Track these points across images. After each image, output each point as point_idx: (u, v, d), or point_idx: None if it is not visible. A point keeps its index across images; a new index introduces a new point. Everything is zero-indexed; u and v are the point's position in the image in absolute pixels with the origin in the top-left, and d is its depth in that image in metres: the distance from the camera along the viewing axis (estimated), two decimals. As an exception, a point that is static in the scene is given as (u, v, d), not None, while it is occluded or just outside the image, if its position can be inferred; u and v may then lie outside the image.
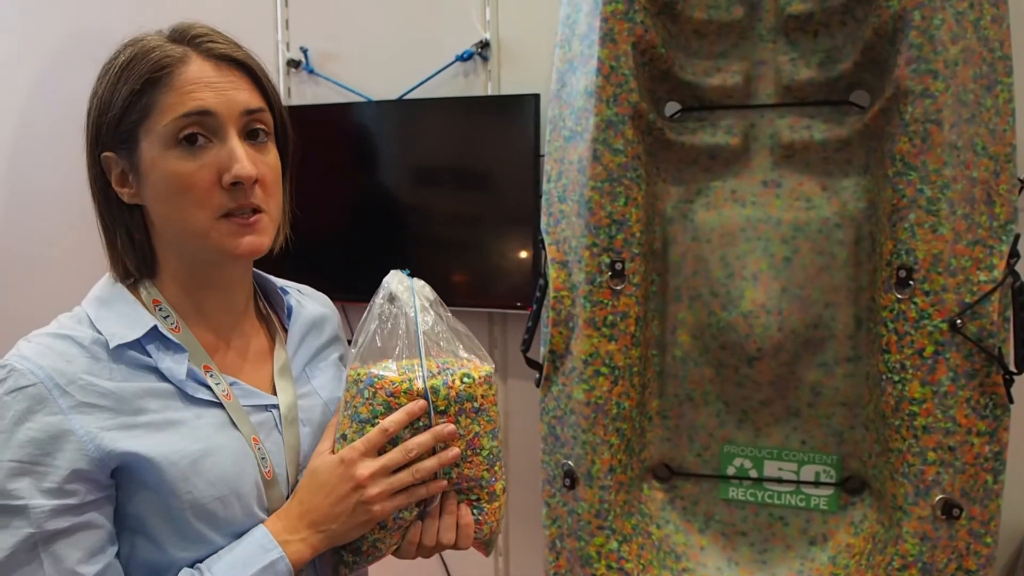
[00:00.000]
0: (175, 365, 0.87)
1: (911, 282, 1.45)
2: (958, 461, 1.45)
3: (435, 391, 0.88)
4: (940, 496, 1.46)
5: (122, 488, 0.83)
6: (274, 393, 0.95)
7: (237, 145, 0.85)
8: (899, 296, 1.47)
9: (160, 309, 0.89)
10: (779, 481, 1.65)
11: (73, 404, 0.81)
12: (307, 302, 1.08)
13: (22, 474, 0.78)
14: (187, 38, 0.87)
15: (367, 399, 0.88)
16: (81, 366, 0.83)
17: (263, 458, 0.89)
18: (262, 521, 0.89)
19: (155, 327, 0.87)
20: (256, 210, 0.86)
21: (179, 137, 0.83)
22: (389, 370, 0.89)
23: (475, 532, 0.95)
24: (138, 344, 0.86)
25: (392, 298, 0.92)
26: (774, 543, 1.66)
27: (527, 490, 2.17)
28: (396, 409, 0.87)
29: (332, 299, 1.15)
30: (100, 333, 0.85)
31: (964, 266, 1.44)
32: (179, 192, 0.84)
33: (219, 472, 0.85)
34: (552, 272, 1.65)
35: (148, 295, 0.90)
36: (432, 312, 0.92)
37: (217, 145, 0.85)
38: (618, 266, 1.59)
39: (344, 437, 0.90)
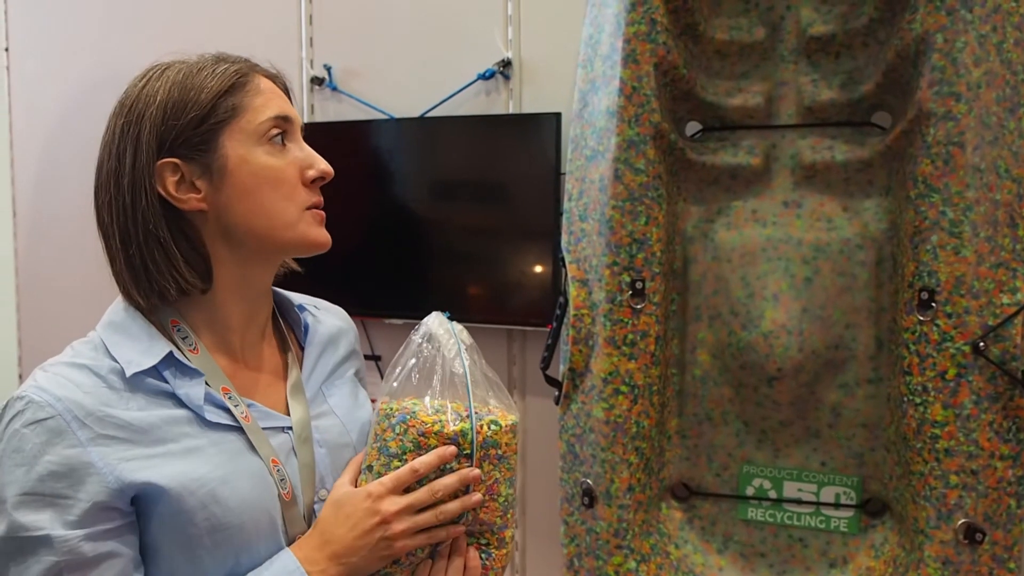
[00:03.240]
0: (192, 391, 0.86)
1: (933, 304, 1.45)
2: (981, 485, 1.44)
3: (464, 435, 0.89)
4: (962, 520, 1.45)
5: (141, 516, 0.83)
6: (288, 413, 0.95)
7: (310, 148, 0.94)
8: (921, 318, 1.46)
9: (179, 330, 0.89)
10: (798, 502, 1.64)
11: (91, 436, 0.80)
12: (324, 317, 1.07)
13: (44, 507, 0.79)
14: (242, 60, 0.93)
15: (397, 435, 0.89)
16: (99, 397, 0.82)
17: (282, 479, 0.89)
18: (279, 544, 0.88)
19: (170, 353, 0.87)
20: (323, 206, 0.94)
21: (270, 136, 0.89)
22: (421, 408, 0.90)
23: None
24: (154, 371, 0.86)
25: (430, 338, 0.94)
26: (793, 565, 1.65)
27: (545, 508, 2.17)
28: (425, 448, 0.88)
29: (352, 315, 1.16)
30: (116, 361, 0.85)
31: (987, 288, 1.43)
32: (271, 185, 0.89)
33: (238, 499, 0.85)
34: (572, 290, 1.66)
35: (165, 316, 0.89)
36: (468, 357, 0.94)
37: (292, 148, 0.92)
38: (638, 285, 1.60)
39: (370, 468, 0.91)
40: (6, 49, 2.78)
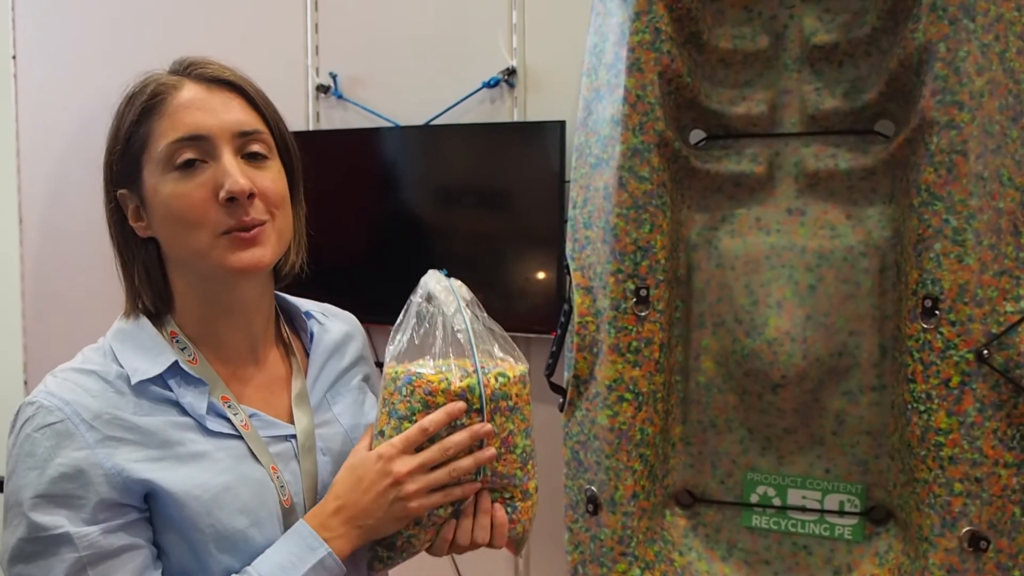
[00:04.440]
0: (195, 400, 0.88)
1: (937, 312, 1.45)
2: (985, 493, 1.44)
3: (471, 390, 0.88)
4: (967, 528, 1.45)
5: (151, 517, 0.85)
6: (292, 421, 0.95)
7: (230, 162, 0.86)
8: (925, 326, 1.47)
9: (177, 341, 0.91)
10: (803, 510, 1.65)
11: (99, 438, 0.82)
12: (331, 324, 1.08)
13: (59, 507, 0.81)
14: (183, 67, 0.90)
15: (405, 396, 0.89)
16: (106, 401, 0.84)
17: (282, 486, 0.90)
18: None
19: (176, 362, 0.89)
20: (257, 224, 0.88)
21: (176, 162, 0.85)
22: (426, 368, 0.89)
23: (508, 530, 0.95)
24: (159, 379, 0.88)
25: (430, 297, 0.93)
26: (798, 572, 1.65)
27: (549, 515, 2.17)
28: (433, 407, 0.88)
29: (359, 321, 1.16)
30: (123, 367, 0.87)
31: (990, 296, 1.44)
32: (179, 214, 0.86)
33: (240, 505, 0.86)
34: (577, 298, 1.67)
35: (165, 328, 0.92)
36: (469, 311, 0.93)
37: (212, 165, 0.86)
38: (643, 292, 1.60)
39: (382, 434, 0.90)
40: (13, 57, 2.80)
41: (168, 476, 0.84)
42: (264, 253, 0.88)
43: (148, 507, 0.85)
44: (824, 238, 1.61)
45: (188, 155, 0.85)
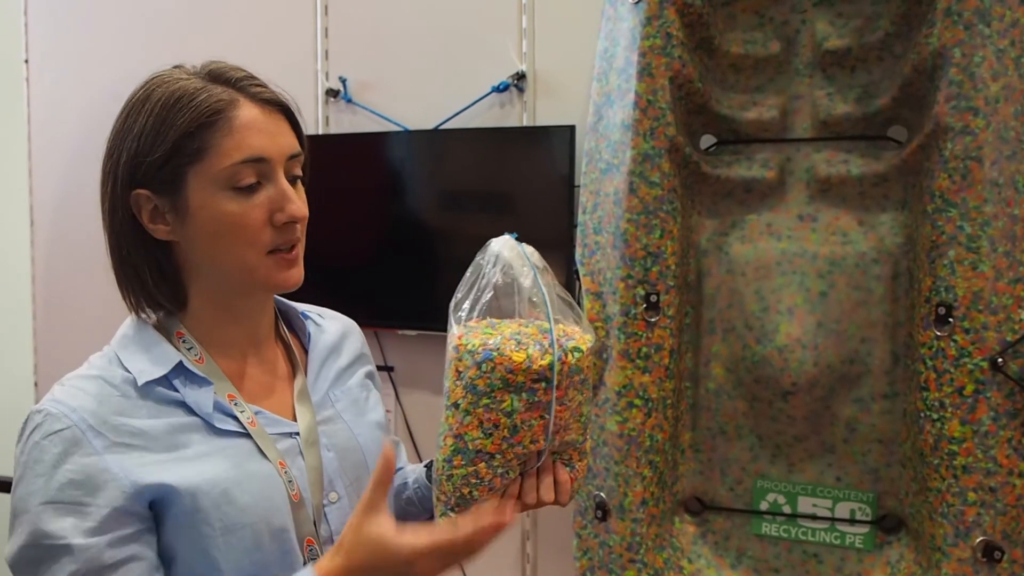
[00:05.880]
0: (201, 399, 0.89)
1: (951, 319, 1.44)
2: (999, 502, 1.42)
3: (550, 368, 0.88)
4: (981, 538, 1.43)
5: (157, 518, 0.85)
6: (294, 418, 0.96)
7: (288, 187, 0.89)
8: (938, 333, 1.46)
9: (184, 342, 0.92)
10: (813, 518, 1.63)
11: (107, 444, 0.83)
12: (327, 324, 1.09)
13: (65, 515, 0.81)
14: (230, 81, 0.89)
15: (484, 373, 0.88)
16: (113, 406, 0.85)
17: (290, 481, 0.91)
18: (289, 543, 0.89)
19: (180, 362, 0.90)
20: (294, 245, 0.91)
21: (239, 183, 0.86)
22: (505, 344, 0.89)
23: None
24: (165, 380, 0.89)
25: (501, 263, 0.93)
26: (808, 581, 1.64)
27: (558, 520, 2.16)
28: (513, 385, 0.87)
29: (365, 326, 1.16)
30: (128, 371, 0.88)
31: (1005, 304, 1.42)
32: (231, 231, 0.87)
33: (250, 499, 0.87)
34: (587, 303, 1.66)
35: (171, 329, 0.92)
36: (545, 283, 0.93)
37: (267, 187, 0.88)
38: (653, 298, 1.59)
39: (456, 406, 0.90)
40: (26, 61, 2.81)
41: (178, 474, 0.84)
42: (301, 271, 0.93)
43: (154, 514, 0.85)
44: (836, 244, 1.60)
45: (251, 178, 0.87)
